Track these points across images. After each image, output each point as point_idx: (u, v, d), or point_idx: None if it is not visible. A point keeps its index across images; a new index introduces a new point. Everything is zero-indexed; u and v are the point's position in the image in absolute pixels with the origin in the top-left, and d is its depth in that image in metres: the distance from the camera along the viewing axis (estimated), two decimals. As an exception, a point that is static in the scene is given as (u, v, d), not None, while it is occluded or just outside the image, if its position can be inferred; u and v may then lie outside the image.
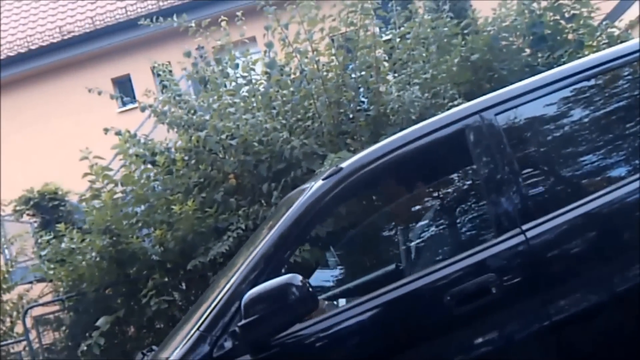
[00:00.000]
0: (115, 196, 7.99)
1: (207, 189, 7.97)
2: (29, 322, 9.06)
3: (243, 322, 3.14)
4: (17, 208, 13.77)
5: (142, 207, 8.08)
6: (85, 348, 7.78)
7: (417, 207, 4.09)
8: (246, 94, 8.09)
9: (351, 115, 7.55)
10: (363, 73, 7.53)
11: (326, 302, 3.97)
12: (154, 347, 3.96)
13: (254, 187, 7.75)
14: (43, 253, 9.02)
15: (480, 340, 3.36)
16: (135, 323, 8.18)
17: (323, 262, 5.56)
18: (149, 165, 8.18)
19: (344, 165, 3.62)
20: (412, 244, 3.98)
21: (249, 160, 7.61)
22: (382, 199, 5.03)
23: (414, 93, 6.87)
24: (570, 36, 7.49)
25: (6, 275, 10.20)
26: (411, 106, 6.97)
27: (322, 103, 7.42)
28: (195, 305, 3.88)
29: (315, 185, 3.62)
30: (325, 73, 7.49)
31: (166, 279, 7.89)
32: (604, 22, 7.95)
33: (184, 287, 8.10)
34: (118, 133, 8.32)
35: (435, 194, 4.14)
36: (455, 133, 3.62)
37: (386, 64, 7.89)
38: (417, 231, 4.09)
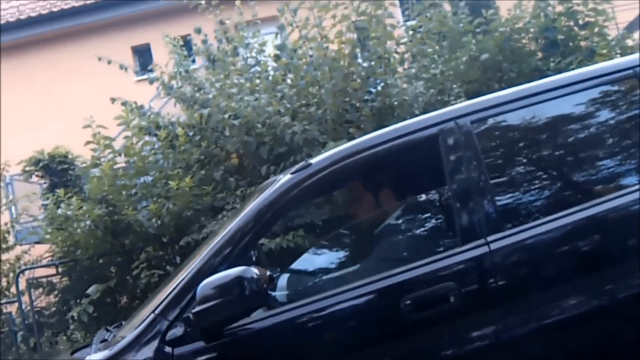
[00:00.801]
0: (116, 166, 8.25)
1: (208, 166, 8.17)
2: (22, 284, 9.35)
3: (196, 309, 3.23)
4: (27, 168, 14.10)
5: (142, 180, 8.32)
6: (74, 314, 8.07)
7: (384, 209, 4.15)
8: (253, 75, 8.26)
9: (357, 105, 7.71)
10: (372, 63, 7.68)
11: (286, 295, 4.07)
12: (123, 322, 4.10)
13: (254, 168, 7.90)
14: (40, 217, 9.30)
15: (432, 348, 3.40)
16: (128, 294, 8.44)
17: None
18: (153, 138, 8.39)
19: (313, 161, 3.69)
20: (376, 245, 4.05)
21: (250, 142, 7.78)
22: (349, 197, 5.12)
23: (418, 88, 7.02)
24: (583, 43, 7.59)
25: (6, 235, 10.49)
26: (415, 101, 7.12)
27: (327, 90, 7.59)
28: (160, 287, 4.03)
29: (282, 179, 3.68)
30: (333, 61, 7.65)
31: (160, 252, 8.11)
32: (621, 33, 8.04)
33: (178, 261, 8.33)
34: (124, 103, 8.52)
35: (403, 197, 4.20)
36: (429, 137, 3.67)
37: (396, 56, 8.04)
38: (382, 232, 4.14)
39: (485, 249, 3.43)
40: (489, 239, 3.45)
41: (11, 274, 9.80)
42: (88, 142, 8.29)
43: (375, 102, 7.59)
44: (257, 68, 8.44)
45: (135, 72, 8.41)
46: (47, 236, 8.71)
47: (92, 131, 8.12)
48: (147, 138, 8.32)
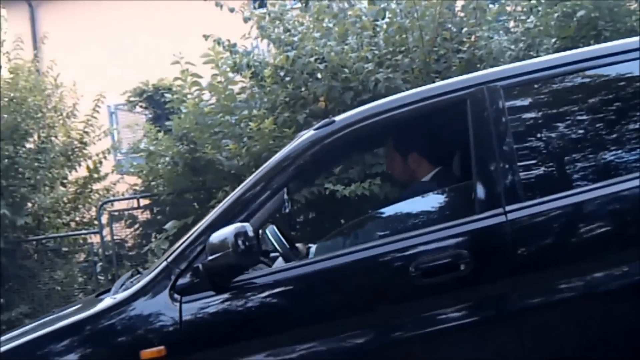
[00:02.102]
0: (202, 104, 8.63)
1: (293, 109, 8.45)
2: (105, 215, 10.00)
3: (204, 260, 3.51)
4: (131, 99, 14.80)
5: (225, 119, 8.67)
6: (151, 248, 8.59)
7: (411, 171, 4.30)
8: (344, 20, 8.42)
9: (447, 55, 7.79)
10: (464, 15, 7.74)
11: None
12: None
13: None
14: (123, 151, 9.86)
15: (438, 316, 3.49)
16: (205, 231, 8.86)
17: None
18: (238, 78, 8.71)
19: (337, 118, 3.81)
20: (397, 208, 4.17)
21: (335, 86, 8.00)
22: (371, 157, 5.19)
23: (502, 43, 7.06)
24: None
25: (98, 165, 11.18)
26: (500, 55, 7.17)
27: (415, 38, 7.70)
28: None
29: (305, 135, 3.82)
30: (423, 8, 7.74)
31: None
32: None
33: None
34: (217, 41, 8.85)
35: (429, 161, 4.31)
36: (457, 101, 3.74)
37: (493, 7, 8.04)
38: (402, 196, 4.28)
39: (502, 219, 3.52)
40: (508, 208, 3.53)
41: (99, 204, 10.43)
42: (176, 79, 8.70)
43: (464, 53, 7.66)
44: (349, 12, 8.59)
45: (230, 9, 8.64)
46: (132, 169, 9.25)
47: (181, 67, 8.50)
48: (234, 77, 8.64)
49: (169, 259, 3.66)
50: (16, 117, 10.30)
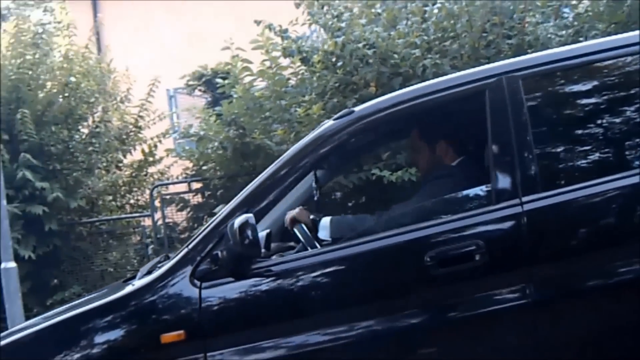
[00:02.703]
0: (252, 89, 8.86)
1: (342, 94, 8.61)
2: (158, 199, 10.33)
3: (222, 248, 3.62)
4: (190, 83, 15.11)
5: (276, 104, 8.89)
6: (200, 231, 8.84)
7: (432, 160, 4.33)
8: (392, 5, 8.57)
9: (496, 41, 7.88)
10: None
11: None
12: None
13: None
14: (174, 135, 10.16)
15: (452, 306, 3.59)
16: (254, 216, 9.12)
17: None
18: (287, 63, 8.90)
19: (357, 108, 3.90)
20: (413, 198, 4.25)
21: (384, 72, 8.14)
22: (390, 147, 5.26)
23: (547, 30, 7.13)
24: None
25: (153, 149, 11.52)
26: (547, 42, 7.24)
27: (464, 24, 7.81)
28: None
29: (325, 125, 3.91)
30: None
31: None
32: None
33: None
34: (268, 26, 9.07)
35: (448, 151, 4.34)
36: (475, 92, 3.79)
37: (544, -7, 8.09)
38: (427, 179, 4.37)
39: (518, 209, 3.58)
40: (524, 199, 3.59)
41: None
42: (227, 65, 8.96)
43: (512, 39, 7.74)
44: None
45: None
46: (183, 153, 9.56)
47: (232, 53, 8.73)
48: (283, 62, 8.84)
49: (190, 246, 3.77)
50: (70, 101, 10.67)
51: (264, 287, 3.70)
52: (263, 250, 3.79)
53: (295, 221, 4.23)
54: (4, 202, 8.67)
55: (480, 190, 3.93)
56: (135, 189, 11.77)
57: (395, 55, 7.87)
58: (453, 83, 3.92)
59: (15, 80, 10.50)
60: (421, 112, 4.05)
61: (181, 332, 3.63)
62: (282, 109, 8.66)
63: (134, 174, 11.73)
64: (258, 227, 3.68)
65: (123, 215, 11.51)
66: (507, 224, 3.62)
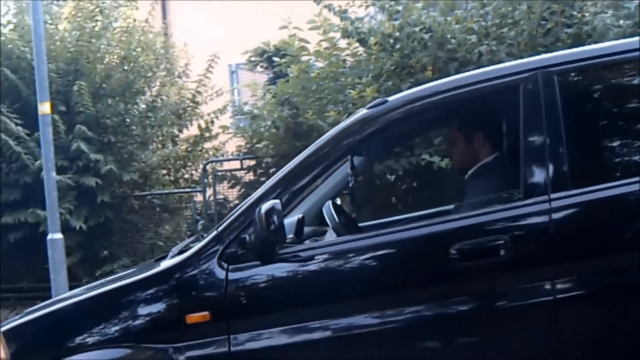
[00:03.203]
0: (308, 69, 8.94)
1: (398, 77, 8.65)
2: (210, 175, 10.51)
3: (250, 232, 3.70)
4: (252, 59, 15.25)
5: (331, 85, 8.97)
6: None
7: (470, 154, 4.33)
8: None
9: (554, 29, 7.84)
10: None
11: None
12: None
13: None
14: (229, 112, 10.31)
15: (474, 300, 3.64)
16: (306, 196, 9.25)
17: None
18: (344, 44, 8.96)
19: (390, 98, 3.92)
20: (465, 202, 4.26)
21: (440, 57, 8.18)
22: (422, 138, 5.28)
23: (604, 20, 7.09)
24: None
25: (209, 124, 11.70)
26: (605, 32, 7.19)
27: (522, 12, 7.80)
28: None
29: (358, 113, 3.97)
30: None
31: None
32: None
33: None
34: (328, 7, 9.13)
35: (483, 144, 4.34)
36: (509, 86, 3.80)
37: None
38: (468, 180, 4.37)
39: (545, 206, 3.60)
40: (553, 196, 3.61)
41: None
42: (285, 44, 9.05)
43: (571, 28, 7.71)
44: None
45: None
46: (237, 131, 9.71)
47: (289, 32, 8.80)
48: (341, 44, 8.91)
49: (220, 228, 3.85)
50: (128, 75, 10.88)
51: (290, 272, 3.77)
52: (291, 236, 3.85)
53: None
54: (54, 173, 8.83)
55: (510, 186, 3.94)
56: (189, 164, 11.93)
57: (453, 40, 7.89)
58: (488, 76, 3.94)
59: (74, 53, 10.72)
60: (455, 104, 4.09)
61: (206, 313, 3.71)
62: (336, 90, 8.71)
63: (189, 149, 11.88)
64: (294, 211, 3.80)
65: (175, 190, 11.70)
66: (533, 221, 3.65)
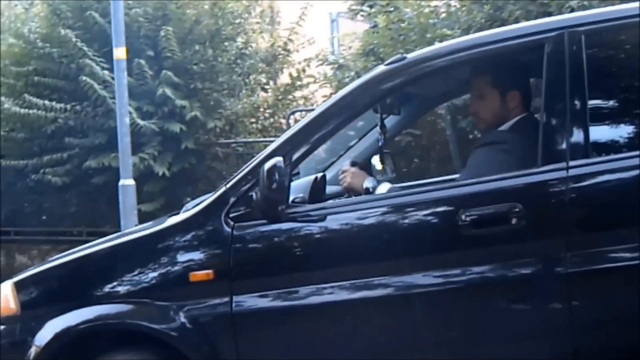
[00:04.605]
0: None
1: (489, 31, 8.63)
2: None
3: (255, 189, 3.74)
4: (353, 7, 15.30)
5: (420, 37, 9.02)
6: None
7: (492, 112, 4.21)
8: None
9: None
10: None
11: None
12: None
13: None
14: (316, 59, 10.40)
15: (481, 270, 3.61)
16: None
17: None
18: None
19: (409, 55, 3.90)
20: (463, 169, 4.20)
21: (532, 10, 8.13)
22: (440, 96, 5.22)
23: None
24: None
25: (301, 73, 11.84)
26: None
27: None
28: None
29: (376, 69, 3.99)
30: None
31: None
32: None
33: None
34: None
35: (497, 105, 4.23)
36: (533, 45, 3.75)
37: None
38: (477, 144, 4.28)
39: (562, 174, 3.54)
40: (571, 163, 3.55)
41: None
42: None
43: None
44: None
45: None
46: (324, 80, 9.88)
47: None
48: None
49: (228, 185, 3.90)
50: (217, 21, 11.09)
51: (297, 232, 3.81)
52: (301, 195, 3.94)
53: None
54: (127, 119, 9.09)
55: (526, 150, 3.89)
56: (279, 113, 12.10)
57: (544, -7, 7.85)
58: (513, 34, 3.89)
59: (164, -2, 10.96)
60: (476, 61, 4.05)
61: (210, 271, 3.79)
62: (425, 42, 8.75)
63: (279, 97, 12.02)
64: (313, 169, 3.88)
65: (259, 139, 11.81)
66: (549, 189, 3.60)
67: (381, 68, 3.94)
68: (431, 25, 8.65)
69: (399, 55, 3.91)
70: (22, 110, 10.63)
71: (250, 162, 3.97)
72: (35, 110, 10.56)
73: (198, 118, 10.63)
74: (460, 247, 3.66)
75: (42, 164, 10.91)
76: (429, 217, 3.77)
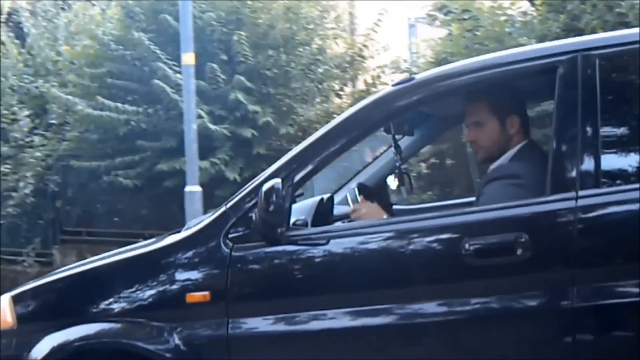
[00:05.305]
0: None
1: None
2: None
3: (255, 210, 3.73)
4: (430, 12, 15.32)
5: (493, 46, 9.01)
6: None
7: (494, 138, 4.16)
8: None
9: None
10: None
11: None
12: None
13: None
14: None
15: (485, 301, 3.57)
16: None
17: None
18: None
19: (418, 75, 3.92)
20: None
21: (609, 20, 8.06)
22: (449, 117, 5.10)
23: None
24: None
25: (376, 79, 11.83)
26: None
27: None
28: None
29: (384, 90, 3.98)
30: None
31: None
32: None
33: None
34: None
35: (508, 128, 4.16)
36: (545, 68, 3.70)
37: None
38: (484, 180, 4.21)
39: (571, 204, 3.49)
40: (581, 193, 3.49)
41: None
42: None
43: None
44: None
45: None
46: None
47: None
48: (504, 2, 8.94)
49: (228, 205, 3.92)
50: (291, 26, 11.19)
51: (296, 256, 3.81)
52: (303, 217, 3.94)
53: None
54: (194, 125, 9.20)
55: (535, 178, 3.84)
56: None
57: (622, 4, 7.77)
58: (524, 57, 3.85)
59: (236, 2, 11.06)
60: (487, 83, 3.98)
61: (206, 293, 3.81)
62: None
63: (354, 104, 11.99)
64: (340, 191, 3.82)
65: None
66: (557, 219, 3.56)
67: (389, 88, 3.92)
68: (507, 34, 8.63)
69: (407, 76, 3.94)
70: (95, 112, 10.83)
71: (252, 181, 3.97)
72: (107, 112, 10.76)
73: (270, 124, 10.72)
74: (465, 277, 3.64)
75: (114, 166, 11.08)
76: (434, 245, 3.74)
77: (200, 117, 9.95)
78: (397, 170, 4.67)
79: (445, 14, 9.46)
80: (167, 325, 3.84)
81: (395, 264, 3.73)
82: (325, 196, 4.44)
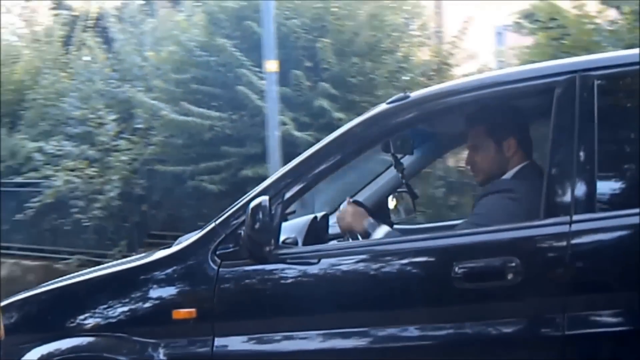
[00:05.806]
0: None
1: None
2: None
3: (243, 228, 3.75)
4: (516, 20, 15.30)
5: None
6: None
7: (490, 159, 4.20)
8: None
9: None
10: None
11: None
12: None
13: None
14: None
15: (473, 326, 3.57)
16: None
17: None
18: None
19: (412, 93, 3.91)
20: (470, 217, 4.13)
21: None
22: (443, 138, 5.13)
23: None
24: None
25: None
26: None
27: None
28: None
29: (378, 108, 4.00)
30: None
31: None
32: None
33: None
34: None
35: (502, 150, 4.20)
36: (542, 88, 3.70)
37: None
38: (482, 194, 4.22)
39: (565, 228, 3.49)
40: (575, 218, 3.49)
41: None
42: (535, 8, 9.17)
43: None
44: None
45: None
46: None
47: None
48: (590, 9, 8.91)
49: (217, 221, 3.97)
50: (376, 33, 11.27)
51: (284, 275, 3.86)
52: (293, 236, 3.95)
53: (347, 230, 4.23)
54: (277, 132, 9.29)
55: (529, 201, 3.84)
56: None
57: None
58: (521, 76, 3.86)
59: (320, 9, 11.22)
60: (482, 104, 3.98)
61: (192, 310, 3.85)
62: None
63: (439, 114, 12.06)
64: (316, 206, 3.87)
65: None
66: (549, 244, 3.57)
67: (384, 105, 3.95)
68: (594, 42, 8.59)
69: (401, 94, 3.91)
70: (180, 117, 11.02)
71: (242, 198, 4.00)
72: (192, 118, 10.92)
73: (354, 134, 10.70)
74: (453, 301, 3.65)
75: (199, 171, 11.23)
76: (425, 267, 3.73)
77: (284, 123, 10.05)
78: (397, 190, 4.77)
79: (532, 22, 9.41)
80: (152, 341, 3.88)
81: (384, 286, 3.73)
82: (319, 214, 4.47)
